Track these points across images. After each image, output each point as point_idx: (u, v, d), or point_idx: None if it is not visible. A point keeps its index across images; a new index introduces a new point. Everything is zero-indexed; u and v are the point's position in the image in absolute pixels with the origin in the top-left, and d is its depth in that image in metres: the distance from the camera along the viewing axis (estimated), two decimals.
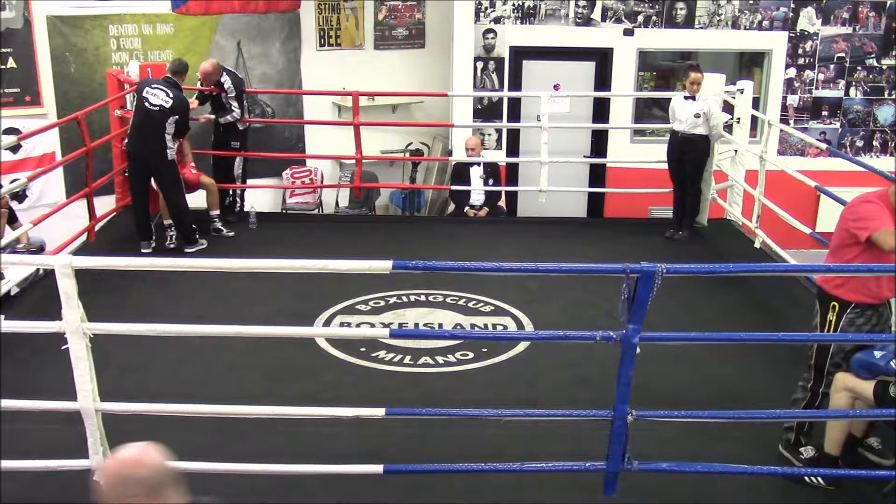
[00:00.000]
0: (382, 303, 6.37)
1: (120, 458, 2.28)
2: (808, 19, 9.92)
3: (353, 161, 8.58)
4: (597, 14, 9.83)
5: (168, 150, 7.08)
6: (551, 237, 8.08)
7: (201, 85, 8.04)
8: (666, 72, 10.31)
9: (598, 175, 10.02)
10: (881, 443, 4.42)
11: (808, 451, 4.33)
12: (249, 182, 8.67)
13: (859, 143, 10.29)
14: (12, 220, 7.53)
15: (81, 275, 3.44)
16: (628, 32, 9.87)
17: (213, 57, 8.88)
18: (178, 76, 7.29)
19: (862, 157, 9.78)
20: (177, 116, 7.05)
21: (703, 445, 4.40)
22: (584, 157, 10.10)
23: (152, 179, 7.30)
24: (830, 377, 4.20)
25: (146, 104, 7.01)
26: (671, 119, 7.96)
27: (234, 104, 7.97)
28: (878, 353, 3.97)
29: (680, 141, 7.83)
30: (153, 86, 7.09)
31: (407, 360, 5.50)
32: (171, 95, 7.05)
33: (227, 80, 7.94)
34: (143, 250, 7.26)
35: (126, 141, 7.35)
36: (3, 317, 4.88)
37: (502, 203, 9.11)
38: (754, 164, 7.76)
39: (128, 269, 5.56)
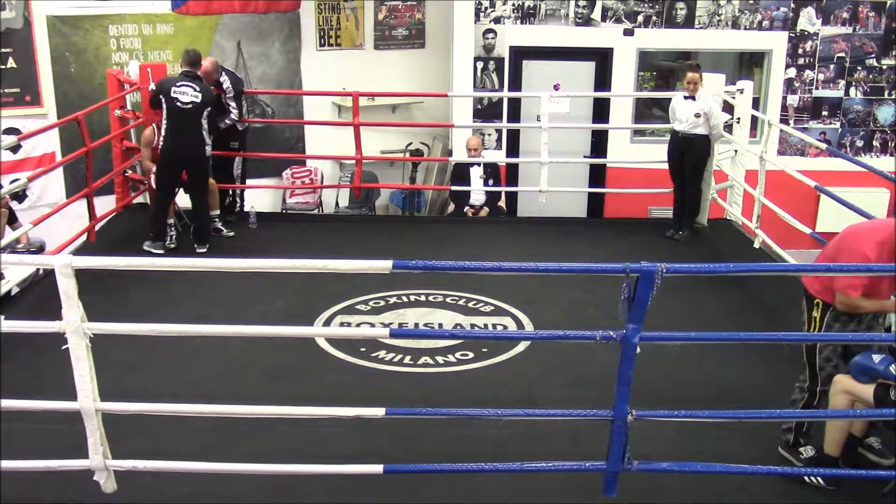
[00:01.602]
0: (382, 303, 6.37)
1: None
2: (808, 19, 9.92)
3: (353, 161, 8.58)
4: (597, 14, 9.83)
5: (207, 147, 7.07)
6: (551, 237, 8.09)
7: None
8: (666, 72, 10.31)
9: (598, 175, 10.02)
10: (881, 443, 4.42)
11: (807, 451, 4.33)
12: (249, 182, 8.67)
13: (859, 143, 10.29)
14: (12, 220, 7.53)
15: (81, 275, 3.44)
16: (628, 32, 9.87)
17: (213, 57, 8.87)
18: (196, 67, 7.18)
19: (862, 157, 9.79)
20: (210, 108, 7.05)
21: (703, 445, 4.41)
22: (584, 157, 10.11)
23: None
24: (824, 373, 4.21)
25: (178, 104, 6.92)
26: (671, 119, 7.96)
27: (233, 104, 7.95)
28: (876, 358, 3.96)
29: (680, 141, 7.83)
30: (178, 84, 6.99)
31: (407, 360, 5.50)
32: (199, 89, 7.00)
33: (225, 81, 7.93)
34: (154, 251, 7.17)
35: (162, 145, 7.13)
36: (3, 317, 4.88)
37: (502, 203, 9.12)
38: (754, 164, 7.76)
39: (128, 269, 5.56)
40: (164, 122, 7.09)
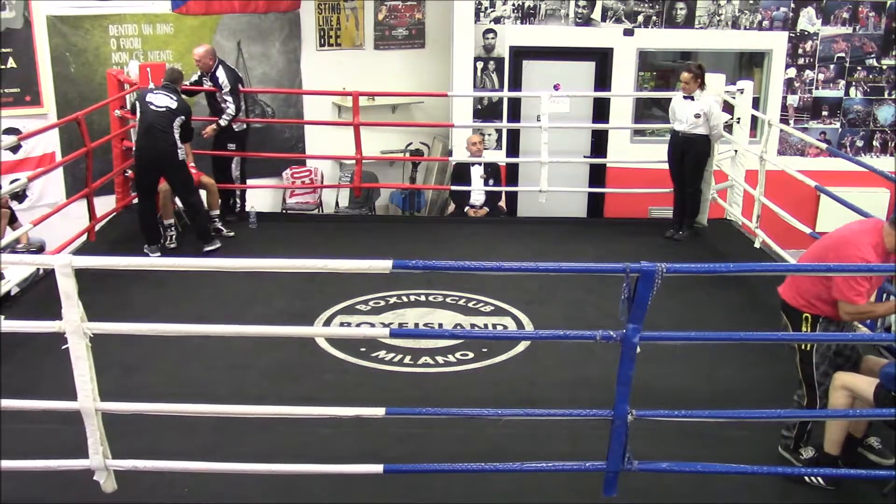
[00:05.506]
0: (382, 303, 6.37)
1: None
2: (808, 19, 9.92)
3: (353, 161, 8.59)
4: (597, 14, 9.83)
5: (178, 151, 7.07)
6: (551, 237, 8.08)
7: (199, 73, 8.06)
8: (666, 72, 10.30)
9: (598, 175, 10.02)
10: (881, 443, 4.42)
11: (808, 452, 4.33)
12: (249, 182, 8.66)
13: (859, 143, 10.29)
14: (12, 220, 7.53)
15: (81, 275, 3.44)
16: (628, 32, 9.87)
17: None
18: (176, 83, 7.29)
19: (862, 157, 9.79)
20: (183, 118, 7.06)
21: (703, 445, 4.41)
22: (584, 157, 10.10)
23: (161, 182, 7.28)
24: (822, 388, 4.19)
25: (152, 107, 6.98)
26: (671, 119, 7.96)
27: (229, 99, 7.93)
28: None
29: (680, 141, 7.82)
30: (155, 91, 7.11)
31: (407, 360, 5.50)
32: (175, 99, 7.08)
33: (221, 75, 7.93)
34: (151, 254, 7.14)
35: (135, 147, 7.26)
36: (3, 317, 4.89)
37: (502, 203, 9.11)
38: (754, 164, 7.76)
39: (128, 269, 5.56)
40: (137, 126, 7.18)
